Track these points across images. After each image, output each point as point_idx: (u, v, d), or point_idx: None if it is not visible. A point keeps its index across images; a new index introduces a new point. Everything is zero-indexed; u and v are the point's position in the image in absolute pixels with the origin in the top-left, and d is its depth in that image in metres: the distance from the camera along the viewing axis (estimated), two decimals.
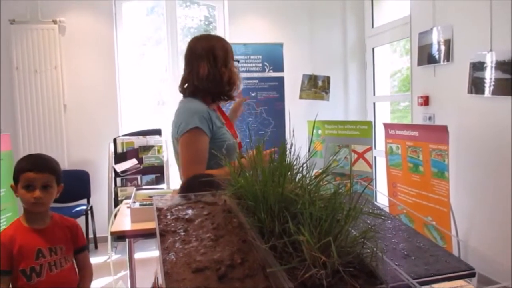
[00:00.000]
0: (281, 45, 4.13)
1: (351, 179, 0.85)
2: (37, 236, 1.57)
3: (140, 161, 3.95)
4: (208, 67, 1.71)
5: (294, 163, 0.89)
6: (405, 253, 0.85)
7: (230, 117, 2.02)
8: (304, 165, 0.89)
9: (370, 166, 3.52)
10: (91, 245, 3.94)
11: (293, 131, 1.11)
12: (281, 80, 4.13)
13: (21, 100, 3.96)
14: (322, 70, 4.50)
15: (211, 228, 0.83)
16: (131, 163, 3.90)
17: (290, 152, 0.89)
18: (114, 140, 3.97)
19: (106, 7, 4.14)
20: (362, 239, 0.74)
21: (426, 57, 3.39)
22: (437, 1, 3.25)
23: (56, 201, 1.64)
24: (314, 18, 4.55)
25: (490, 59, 2.75)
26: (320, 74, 4.48)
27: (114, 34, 4.21)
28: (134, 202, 2.16)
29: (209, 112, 1.68)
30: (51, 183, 1.56)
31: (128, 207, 2.15)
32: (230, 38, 4.29)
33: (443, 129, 2.67)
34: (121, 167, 3.86)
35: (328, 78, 4.49)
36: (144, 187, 3.77)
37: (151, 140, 4.02)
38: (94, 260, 3.65)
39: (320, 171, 0.87)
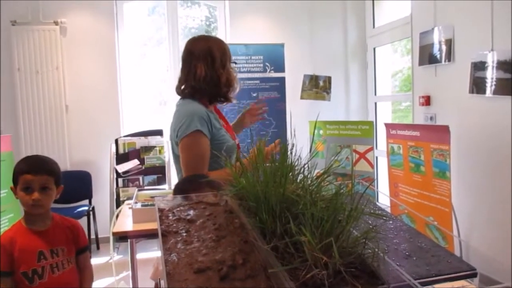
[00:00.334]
0: (282, 45, 4.13)
1: (352, 180, 0.85)
2: (38, 238, 1.55)
3: (142, 161, 3.95)
4: (205, 68, 1.70)
5: (296, 163, 0.89)
6: (407, 253, 0.85)
7: (235, 126, 2.00)
8: (306, 166, 0.88)
9: (372, 166, 3.51)
10: (93, 246, 3.94)
11: (294, 131, 1.11)
12: (282, 80, 4.13)
13: (23, 101, 3.97)
14: (323, 70, 4.50)
15: (212, 229, 0.83)
16: (133, 163, 3.91)
17: (291, 153, 0.89)
18: (116, 141, 3.97)
19: (107, 8, 4.15)
20: (364, 240, 0.74)
21: (427, 57, 3.38)
22: (438, 1, 3.24)
23: (57, 202, 1.63)
24: (315, 18, 4.55)
25: (491, 59, 2.75)
26: (321, 74, 4.48)
27: (115, 34, 4.22)
28: (136, 202, 2.17)
29: (208, 114, 1.67)
30: (50, 185, 1.54)
31: (130, 208, 2.16)
32: (231, 38, 4.29)
33: (445, 129, 2.67)
34: (122, 167, 3.86)
35: (329, 78, 4.48)
36: (145, 187, 3.76)
37: (153, 140, 4.03)
38: (96, 260, 3.66)
39: (322, 171, 0.87)
